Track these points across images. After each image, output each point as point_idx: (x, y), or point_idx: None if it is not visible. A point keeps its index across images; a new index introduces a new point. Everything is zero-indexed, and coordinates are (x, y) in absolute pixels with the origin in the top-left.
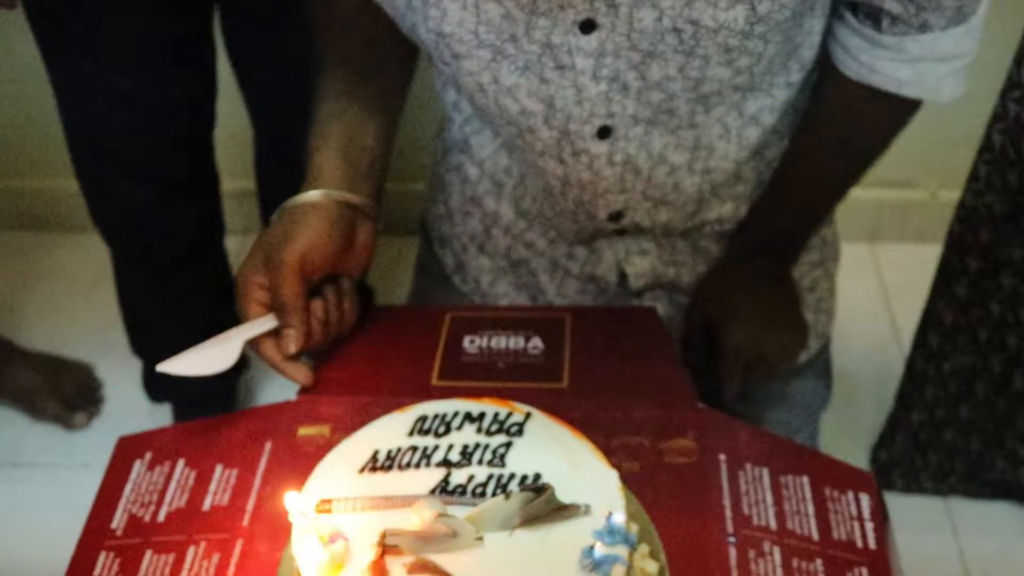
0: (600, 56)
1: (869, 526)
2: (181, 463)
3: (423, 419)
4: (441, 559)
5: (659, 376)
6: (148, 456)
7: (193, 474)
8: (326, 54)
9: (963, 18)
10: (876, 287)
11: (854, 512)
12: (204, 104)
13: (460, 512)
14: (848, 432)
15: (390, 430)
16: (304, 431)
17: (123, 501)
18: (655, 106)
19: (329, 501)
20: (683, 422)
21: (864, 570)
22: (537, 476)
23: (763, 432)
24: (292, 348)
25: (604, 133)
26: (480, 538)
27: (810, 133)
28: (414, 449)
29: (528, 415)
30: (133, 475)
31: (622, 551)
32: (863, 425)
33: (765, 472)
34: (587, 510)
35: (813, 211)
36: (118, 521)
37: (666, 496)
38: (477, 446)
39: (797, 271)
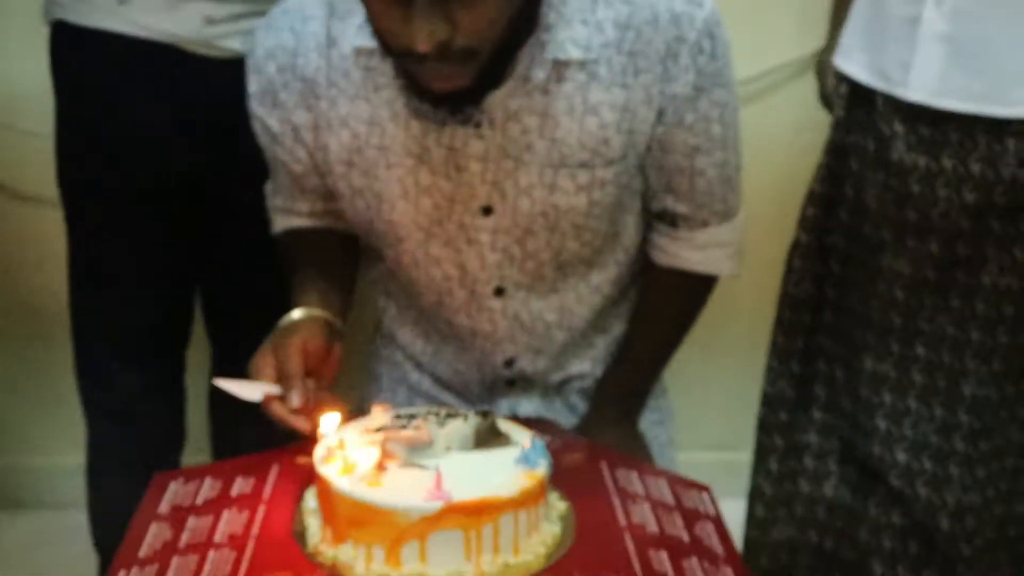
0: (495, 233)
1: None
2: (208, 478)
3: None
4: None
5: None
6: (181, 478)
7: (219, 482)
8: (297, 258)
9: (729, 217)
10: None
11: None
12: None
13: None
14: None
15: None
16: (302, 459)
17: (167, 495)
18: (531, 273)
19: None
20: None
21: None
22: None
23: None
24: (295, 403)
25: (499, 292)
26: (449, 448)
27: (641, 308)
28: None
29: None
30: (172, 486)
31: (543, 460)
32: None
33: (633, 473)
34: (516, 441)
35: (649, 367)
36: (163, 507)
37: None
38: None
39: (642, 427)
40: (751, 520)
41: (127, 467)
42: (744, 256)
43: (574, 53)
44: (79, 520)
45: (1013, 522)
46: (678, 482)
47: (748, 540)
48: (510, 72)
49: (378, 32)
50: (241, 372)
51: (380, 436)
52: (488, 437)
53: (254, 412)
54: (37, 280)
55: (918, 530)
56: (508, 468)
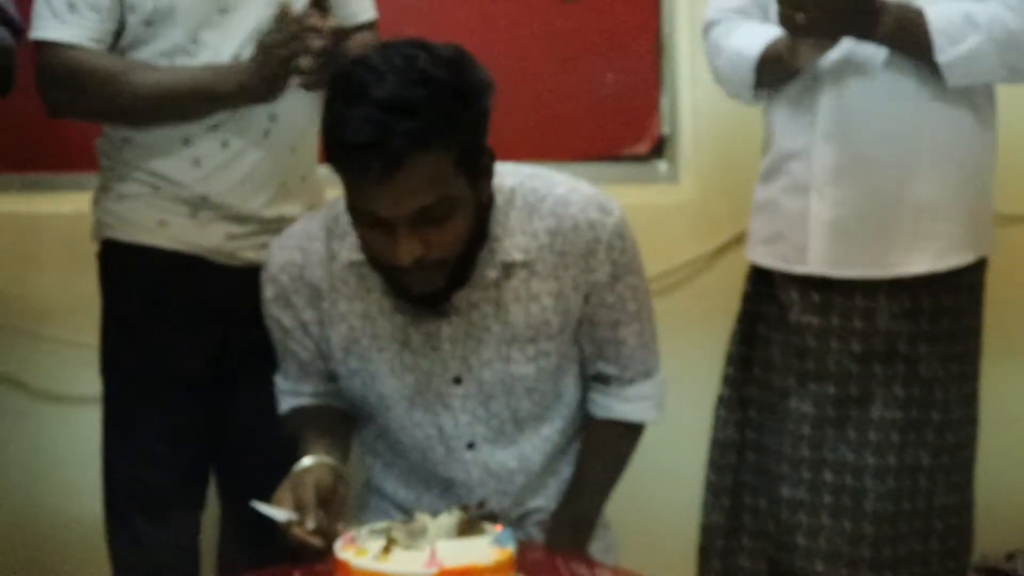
0: (465, 398)
1: None
2: None
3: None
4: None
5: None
6: None
7: None
8: (303, 425)
9: (650, 375)
10: None
11: None
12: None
13: None
14: None
15: None
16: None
17: None
18: (495, 429)
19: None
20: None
21: None
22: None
23: None
24: (311, 525)
25: (470, 446)
26: (438, 535)
27: (584, 451)
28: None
29: None
30: None
31: (511, 542)
32: None
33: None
34: (489, 531)
35: (595, 499)
36: None
37: None
38: None
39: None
40: None
41: None
42: (664, 407)
43: (517, 256)
44: None
45: None
46: (619, 572)
47: None
48: (470, 274)
49: (367, 252)
50: (248, 528)
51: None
52: (468, 527)
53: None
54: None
55: None
56: (485, 547)
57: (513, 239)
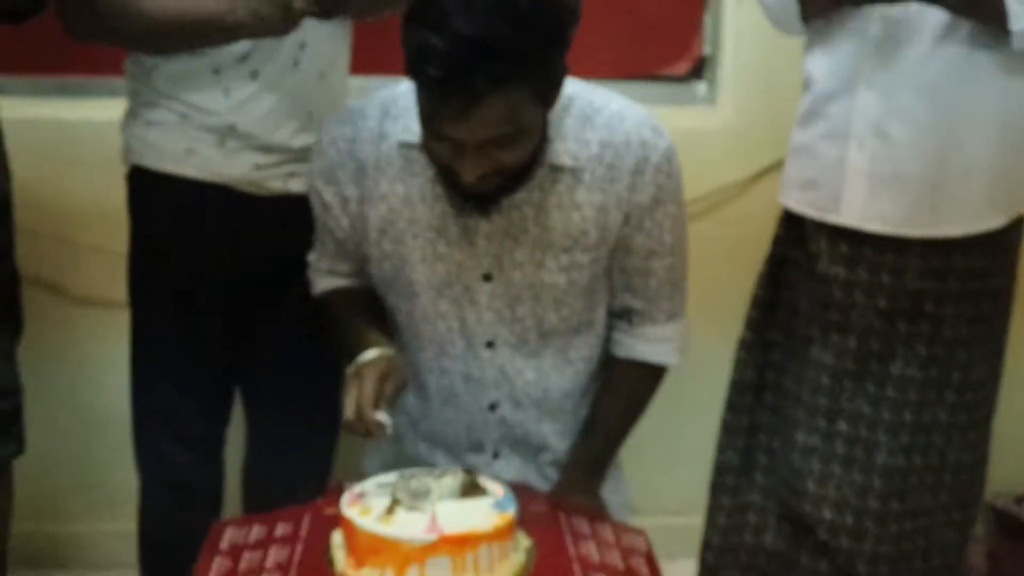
0: (492, 296)
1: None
2: (256, 524)
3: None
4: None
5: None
6: (235, 525)
7: (265, 527)
8: (349, 309)
9: (675, 317)
10: None
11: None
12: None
13: None
14: None
15: None
16: (329, 510)
17: (225, 537)
18: (518, 334)
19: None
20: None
21: None
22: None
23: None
24: (370, 425)
25: (490, 345)
26: (441, 496)
27: (601, 392)
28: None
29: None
30: (228, 531)
31: (512, 506)
32: None
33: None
34: (491, 492)
35: (609, 443)
36: (223, 545)
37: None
38: None
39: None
40: (703, 567)
41: (178, 527)
42: (687, 352)
43: (567, 161)
44: None
45: (923, 572)
46: (619, 527)
47: None
48: (525, 180)
49: (428, 152)
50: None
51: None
52: (470, 489)
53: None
54: (86, 372)
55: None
56: (485, 511)
57: (565, 144)
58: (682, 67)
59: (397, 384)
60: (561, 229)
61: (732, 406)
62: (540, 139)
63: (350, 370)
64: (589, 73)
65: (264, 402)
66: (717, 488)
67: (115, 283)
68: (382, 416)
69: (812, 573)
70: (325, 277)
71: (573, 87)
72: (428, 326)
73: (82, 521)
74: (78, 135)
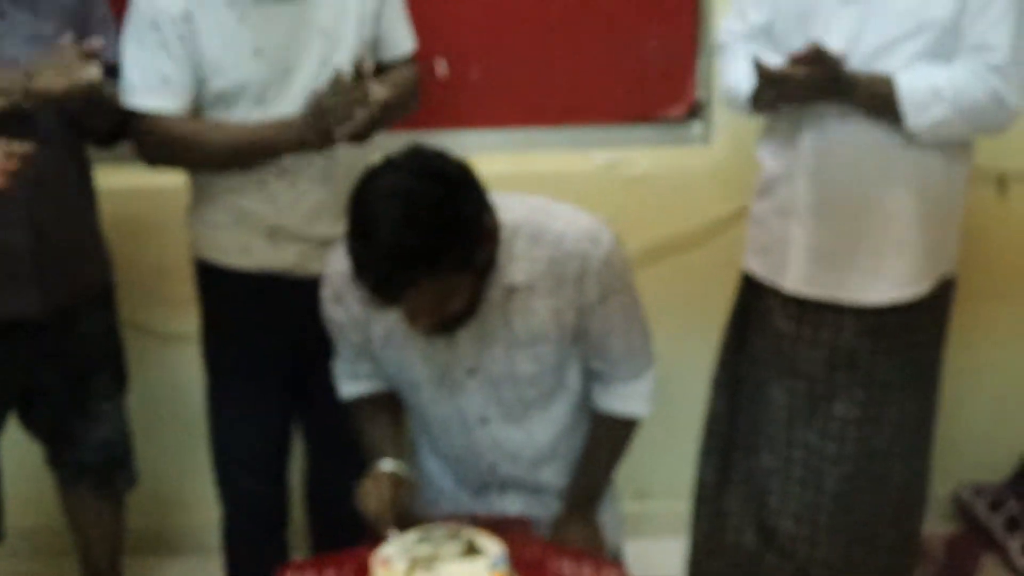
0: (478, 385)
1: None
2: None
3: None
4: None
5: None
6: (295, 570)
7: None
8: (372, 417)
9: (639, 375)
10: None
11: None
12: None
13: None
14: None
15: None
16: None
17: None
18: (504, 410)
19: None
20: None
21: None
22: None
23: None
24: (388, 531)
25: (484, 422)
26: (446, 557)
27: (589, 438)
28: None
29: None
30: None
31: (504, 564)
32: None
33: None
34: (488, 552)
35: (599, 479)
36: None
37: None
38: None
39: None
40: (692, 562)
41: (254, 541)
42: (659, 403)
43: (520, 279)
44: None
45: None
46: (600, 564)
47: (690, 571)
48: (475, 309)
49: None
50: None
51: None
52: (471, 551)
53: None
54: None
55: (800, 574)
56: (482, 571)
57: (517, 265)
58: (678, 110)
59: (408, 493)
60: (525, 331)
61: (709, 432)
62: (478, 282)
63: (370, 473)
64: (592, 119)
65: (319, 435)
66: (699, 499)
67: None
68: (393, 533)
69: (777, 570)
70: (348, 382)
71: (520, 210)
72: (431, 410)
73: (188, 512)
74: (160, 199)
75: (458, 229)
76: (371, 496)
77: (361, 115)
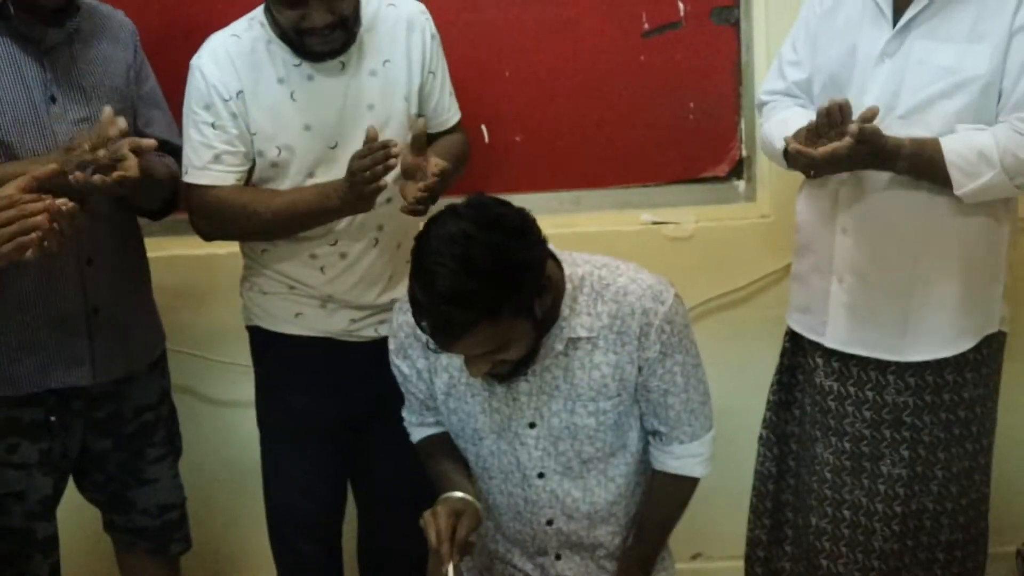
0: (537, 438)
1: None
2: None
3: None
4: None
5: None
6: None
7: None
8: (440, 456)
9: (697, 437)
10: None
11: None
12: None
13: None
14: None
15: None
16: None
17: None
18: (563, 464)
19: None
20: None
21: None
22: None
23: None
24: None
25: (541, 476)
26: None
27: (647, 498)
28: None
29: None
30: None
31: None
32: None
33: None
34: None
35: (657, 540)
36: None
37: None
38: None
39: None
40: None
41: None
42: (712, 462)
43: (582, 333)
44: None
45: None
46: None
47: None
48: (534, 359)
49: None
50: (383, 531)
51: None
52: None
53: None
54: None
55: None
56: None
57: (580, 319)
58: (723, 168)
59: (470, 525)
60: (586, 384)
61: (757, 492)
62: (537, 333)
63: (439, 506)
64: (640, 180)
65: (372, 496)
66: (751, 560)
67: (241, 388)
68: (450, 570)
69: None
70: (417, 429)
71: (586, 267)
72: (491, 462)
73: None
74: (212, 266)
75: (517, 276)
76: (430, 527)
77: (392, 165)
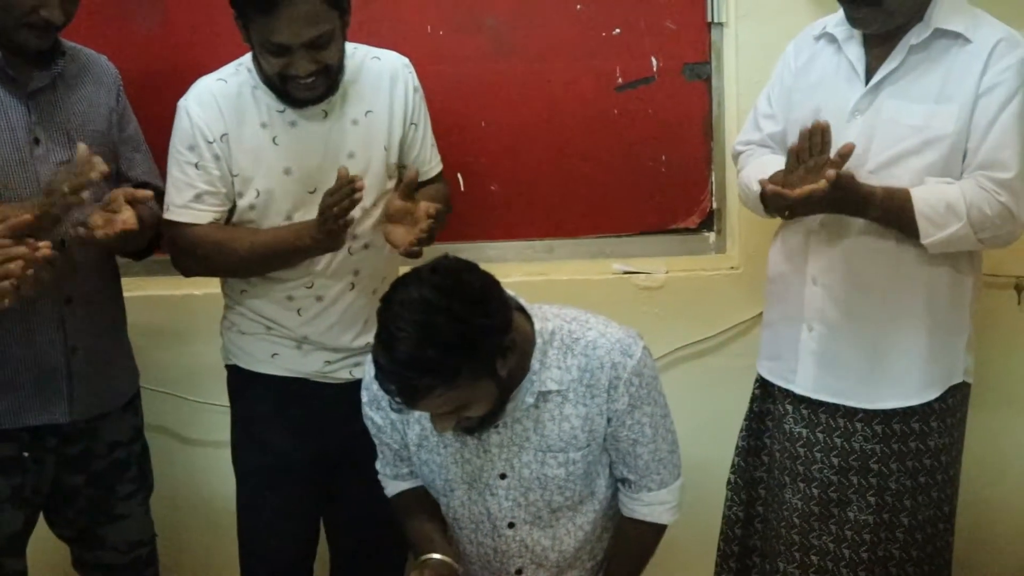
0: (508, 489)
1: None
2: None
3: None
4: None
5: None
6: None
7: None
8: (415, 513)
9: (665, 485)
10: None
11: None
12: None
13: None
14: None
15: None
16: None
17: None
18: (533, 514)
19: None
20: None
21: None
22: None
23: None
24: None
25: (511, 525)
26: None
27: (615, 543)
28: None
29: None
30: None
31: None
32: None
33: None
34: None
35: None
36: None
37: None
38: None
39: None
40: None
41: None
42: (682, 509)
43: (552, 386)
44: None
45: None
46: None
47: None
48: (502, 413)
49: None
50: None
51: None
52: None
53: None
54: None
55: None
56: None
57: (550, 372)
58: (694, 220)
59: None
60: (556, 436)
61: (724, 536)
62: (501, 391)
63: (415, 564)
64: (615, 229)
65: (344, 536)
66: None
67: (217, 427)
68: None
69: None
70: (392, 482)
71: (556, 321)
72: (462, 512)
73: None
74: (190, 307)
75: (475, 343)
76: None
77: (357, 199)
